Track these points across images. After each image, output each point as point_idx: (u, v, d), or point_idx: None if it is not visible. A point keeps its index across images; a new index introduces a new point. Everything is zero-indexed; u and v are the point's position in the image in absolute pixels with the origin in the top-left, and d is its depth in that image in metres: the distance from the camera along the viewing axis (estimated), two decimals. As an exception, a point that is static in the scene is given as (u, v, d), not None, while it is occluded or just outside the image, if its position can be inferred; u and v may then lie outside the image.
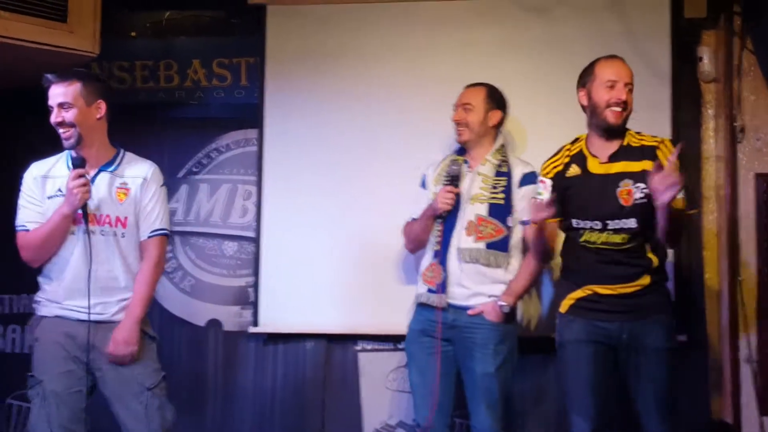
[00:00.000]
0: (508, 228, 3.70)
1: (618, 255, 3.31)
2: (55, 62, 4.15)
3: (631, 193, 3.28)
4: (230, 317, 4.59)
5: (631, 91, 3.37)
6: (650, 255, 3.32)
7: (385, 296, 4.25)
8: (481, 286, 3.68)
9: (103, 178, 3.40)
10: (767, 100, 4.17)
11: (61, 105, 3.35)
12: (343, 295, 4.33)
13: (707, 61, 4.17)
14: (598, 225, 3.32)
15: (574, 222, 3.39)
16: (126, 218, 3.39)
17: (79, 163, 3.29)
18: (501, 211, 3.71)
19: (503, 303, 3.64)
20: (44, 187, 3.37)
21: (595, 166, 3.39)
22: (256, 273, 4.45)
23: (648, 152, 3.32)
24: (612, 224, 3.30)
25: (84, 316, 3.27)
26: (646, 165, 3.23)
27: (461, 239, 3.70)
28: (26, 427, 3.29)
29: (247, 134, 4.65)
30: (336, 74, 4.44)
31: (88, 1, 4.00)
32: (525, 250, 3.76)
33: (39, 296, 3.40)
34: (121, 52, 4.70)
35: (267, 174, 4.46)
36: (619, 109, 3.34)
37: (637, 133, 3.43)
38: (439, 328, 3.66)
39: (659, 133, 3.86)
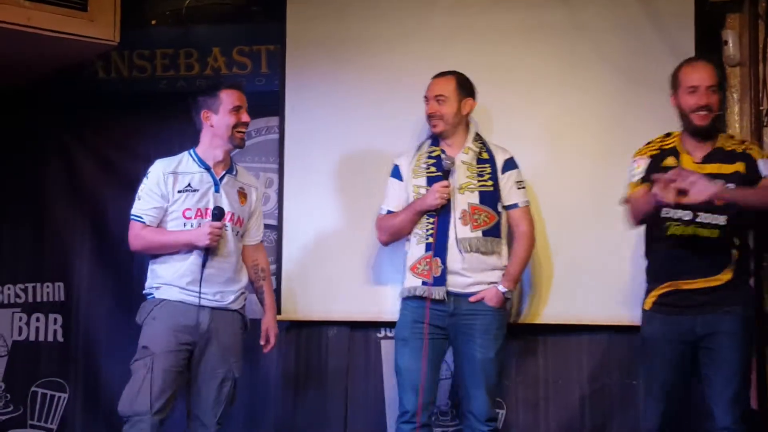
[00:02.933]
0: (498, 214, 3.80)
1: (702, 249, 3.35)
2: (75, 52, 4.18)
3: None
4: (252, 305, 4.56)
5: (715, 92, 3.43)
6: (734, 251, 3.37)
7: (407, 283, 4.24)
8: (480, 274, 3.76)
9: (229, 180, 3.75)
10: (793, 84, 4.12)
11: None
12: (366, 282, 4.33)
13: (732, 45, 4.12)
14: (688, 215, 3.35)
15: (664, 210, 3.37)
16: (240, 218, 3.74)
17: (219, 214, 3.59)
18: (491, 197, 3.80)
19: (504, 289, 3.73)
20: (176, 183, 3.63)
21: (689, 164, 3.41)
22: (278, 261, 4.45)
23: (740, 156, 3.41)
24: (702, 217, 3.33)
25: (205, 302, 3.59)
26: (739, 167, 3.36)
27: (458, 229, 3.75)
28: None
29: (269, 122, 4.65)
30: (357, 61, 4.42)
31: (108, -10, 4.01)
32: (510, 235, 3.86)
33: (158, 282, 3.63)
34: (141, 41, 4.70)
35: (288, 161, 4.46)
36: (703, 112, 3.39)
37: (730, 137, 3.56)
38: (427, 320, 3.71)
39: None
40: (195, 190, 3.64)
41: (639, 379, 3.65)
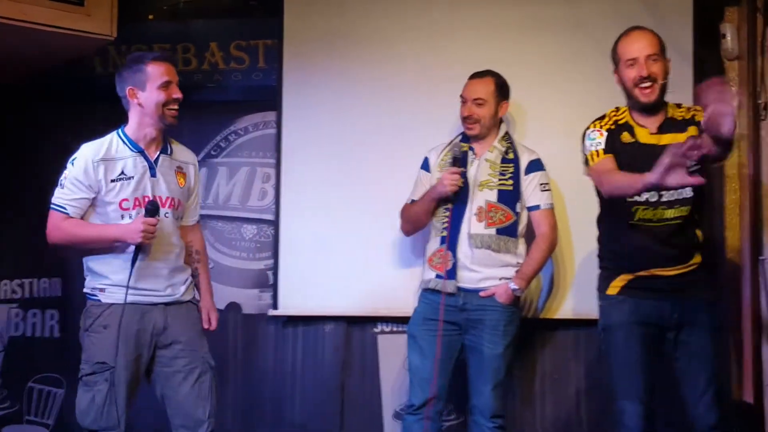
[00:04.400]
0: (517, 214, 3.78)
1: (671, 234, 3.24)
2: (72, 46, 4.18)
3: None
4: (249, 300, 4.60)
5: (657, 60, 3.26)
6: (698, 231, 3.28)
7: (404, 278, 4.23)
8: (491, 270, 3.75)
9: (164, 161, 3.43)
10: (791, 78, 4.11)
11: None
12: (362, 278, 4.33)
13: (730, 39, 4.12)
14: (654, 196, 3.23)
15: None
16: (180, 201, 3.45)
17: (153, 210, 3.28)
18: (510, 197, 3.79)
19: (515, 287, 3.72)
20: (107, 171, 3.29)
21: (645, 137, 3.30)
22: (275, 256, 4.44)
23: (690, 122, 3.27)
24: (667, 195, 3.22)
25: (157, 299, 3.35)
26: (692, 132, 3.19)
27: (472, 225, 3.76)
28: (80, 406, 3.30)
29: (266, 117, 4.64)
30: (354, 56, 4.42)
31: (105, -15, 4.01)
32: (532, 235, 3.84)
33: (102, 283, 3.34)
34: (138, 35, 4.69)
35: (285, 156, 4.45)
36: (646, 84, 3.25)
37: (677, 105, 3.37)
38: (442, 313, 3.71)
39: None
40: (130, 178, 3.30)
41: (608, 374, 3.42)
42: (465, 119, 3.87)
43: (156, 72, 3.29)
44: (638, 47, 3.27)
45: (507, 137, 3.91)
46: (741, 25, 4.14)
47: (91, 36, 4.02)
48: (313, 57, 4.44)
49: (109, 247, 3.30)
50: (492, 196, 3.78)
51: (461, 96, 3.90)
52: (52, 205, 3.31)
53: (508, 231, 3.77)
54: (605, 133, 3.33)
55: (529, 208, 3.84)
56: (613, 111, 3.42)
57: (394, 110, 4.35)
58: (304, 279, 4.39)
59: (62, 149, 4.79)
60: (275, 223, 4.48)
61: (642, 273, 3.30)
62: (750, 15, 4.09)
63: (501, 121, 3.93)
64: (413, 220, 3.95)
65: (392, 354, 4.39)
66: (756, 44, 4.07)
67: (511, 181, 3.80)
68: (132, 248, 3.25)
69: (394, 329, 4.41)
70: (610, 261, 3.42)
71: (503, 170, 3.82)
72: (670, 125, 3.30)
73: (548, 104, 4.24)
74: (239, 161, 4.65)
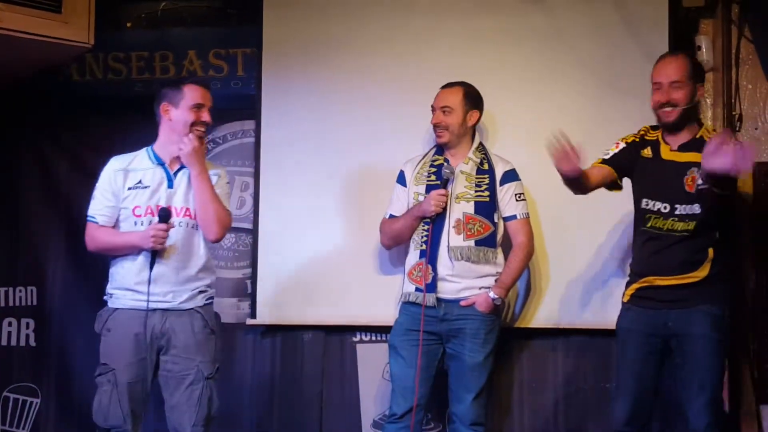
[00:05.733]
0: (494, 224, 3.83)
1: (678, 245, 3.41)
2: (49, 54, 4.14)
3: (695, 179, 3.38)
4: (227, 309, 4.57)
5: (681, 87, 3.42)
6: (710, 248, 3.40)
7: (382, 288, 4.23)
8: (471, 280, 3.80)
9: (185, 173, 3.58)
10: (765, 89, 4.16)
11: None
12: (341, 287, 4.33)
13: (705, 50, 4.15)
14: (666, 208, 3.43)
15: (644, 202, 3.49)
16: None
17: (165, 216, 3.45)
18: (487, 208, 3.84)
19: (495, 296, 3.77)
20: (126, 179, 3.52)
21: (666, 153, 3.49)
22: (253, 265, 4.43)
23: None
24: (680, 209, 3.40)
25: (156, 304, 3.46)
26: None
27: (451, 238, 3.80)
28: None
29: (244, 125, 4.64)
30: (334, 65, 4.42)
31: (82, -8, 3.98)
32: (509, 244, 3.90)
33: (112, 288, 3.55)
34: (116, 43, 4.68)
35: (264, 165, 4.44)
36: (667, 109, 3.44)
37: (713, 129, 3.56)
38: (422, 325, 3.75)
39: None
40: (146, 187, 3.52)
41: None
42: (434, 127, 3.92)
43: (191, 94, 3.52)
44: (664, 73, 3.46)
45: (481, 148, 3.95)
46: (716, 38, 4.18)
47: (69, 44, 3.99)
48: (292, 66, 4.44)
49: (128, 253, 3.50)
50: (469, 208, 3.82)
51: (431, 106, 3.95)
52: (87, 217, 3.56)
53: (487, 242, 3.82)
54: (622, 145, 3.59)
55: (506, 219, 3.89)
56: (647, 127, 3.62)
57: (374, 119, 4.35)
58: (282, 288, 4.38)
59: (39, 158, 4.82)
60: (254, 232, 4.46)
61: (645, 283, 3.47)
62: (725, 27, 4.14)
63: (474, 131, 3.96)
64: (394, 236, 3.98)
65: (371, 363, 4.39)
66: (731, 56, 4.13)
67: (487, 193, 3.84)
68: (143, 254, 3.45)
69: (373, 339, 4.41)
70: (632, 267, 3.61)
71: (479, 182, 3.86)
72: (694, 145, 3.44)
73: (524, 113, 4.25)
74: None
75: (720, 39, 4.15)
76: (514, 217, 3.88)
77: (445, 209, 3.81)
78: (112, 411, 3.42)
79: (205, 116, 3.54)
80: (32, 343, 4.76)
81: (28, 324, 4.76)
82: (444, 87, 3.96)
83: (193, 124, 3.52)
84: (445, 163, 3.89)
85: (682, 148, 3.46)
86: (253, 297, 4.41)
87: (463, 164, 3.89)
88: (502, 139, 4.22)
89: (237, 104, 4.61)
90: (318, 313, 4.36)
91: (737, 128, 4.12)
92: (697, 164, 3.32)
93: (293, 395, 4.45)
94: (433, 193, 3.81)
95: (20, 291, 4.78)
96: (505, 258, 3.89)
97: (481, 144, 3.97)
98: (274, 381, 4.49)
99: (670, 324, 3.41)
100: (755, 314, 4.04)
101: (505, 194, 3.87)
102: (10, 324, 4.77)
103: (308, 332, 4.45)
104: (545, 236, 4.15)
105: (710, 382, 3.38)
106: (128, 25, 4.75)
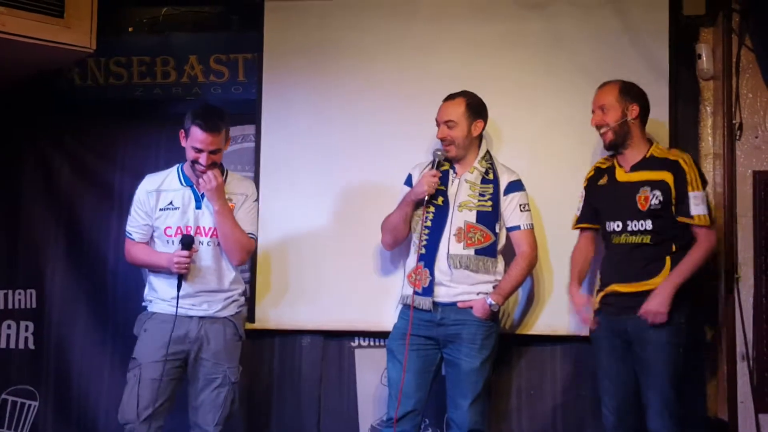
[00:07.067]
0: (496, 234, 3.84)
1: (637, 256, 3.63)
2: (51, 58, 4.15)
3: (647, 198, 3.61)
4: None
5: (608, 109, 3.69)
6: (668, 258, 3.60)
7: (381, 292, 4.24)
8: (468, 286, 3.81)
9: None
10: (765, 98, 4.15)
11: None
12: (340, 292, 4.33)
13: (706, 59, 4.15)
14: (619, 226, 3.68)
15: (606, 225, 3.75)
16: None
17: (187, 243, 3.69)
18: (489, 218, 3.84)
19: (492, 302, 3.77)
20: (157, 200, 3.79)
21: (621, 175, 3.74)
22: (252, 269, 4.43)
23: (669, 165, 3.64)
24: (631, 225, 3.64)
25: (193, 312, 3.76)
26: (665, 175, 3.61)
27: (451, 245, 3.81)
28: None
29: (245, 130, 4.64)
30: (334, 70, 4.43)
31: (85, -3, 3.99)
32: (510, 252, 3.90)
33: (152, 296, 3.82)
34: (117, 48, 4.69)
35: (264, 170, 4.45)
36: (602, 131, 3.74)
37: (667, 149, 3.80)
38: (410, 325, 3.78)
39: (657, 131, 3.94)
40: (176, 208, 3.77)
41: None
42: (441, 141, 3.92)
43: (195, 136, 3.69)
44: (595, 99, 3.78)
45: (488, 157, 3.94)
46: (716, 46, 4.18)
47: (71, 48, 3.99)
48: (293, 71, 4.45)
49: (157, 268, 3.79)
50: (471, 216, 3.82)
51: (436, 119, 3.94)
52: (125, 231, 3.88)
53: (487, 251, 3.82)
54: (584, 193, 3.89)
55: (509, 229, 3.89)
56: (603, 159, 3.89)
57: (374, 124, 4.36)
58: (280, 293, 4.38)
59: (40, 161, 4.83)
60: (253, 236, 4.45)
61: (608, 290, 3.70)
62: (725, 36, 4.13)
63: (481, 139, 3.96)
64: (391, 228, 3.97)
65: (369, 368, 4.40)
66: (731, 65, 4.11)
67: (490, 203, 3.85)
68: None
69: (371, 343, 4.41)
70: (600, 277, 3.83)
71: (483, 191, 3.86)
72: (644, 164, 3.69)
73: (524, 120, 4.27)
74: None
75: (720, 48, 4.15)
76: (518, 227, 3.88)
77: (446, 214, 3.81)
78: (129, 405, 3.65)
79: (202, 159, 3.68)
80: (31, 345, 4.76)
81: (27, 327, 4.76)
82: (446, 99, 3.94)
83: (193, 161, 3.72)
84: (439, 152, 3.89)
85: (634, 168, 3.69)
86: (251, 302, 4.41)
87: (468, 173, 3.89)
88: (503, 146, 4.22)
89: (237, 109, 4.60)
90: (316, 317, 4.36)
91: (737, 137, 4.11)
92: (648, 183, 3.61)
93: (291, 400, 4.45)
94: (425, 173, 3.83)
95: (20, 294, 4.78)
96: (506, 267, 3.90)
97: (488, 153, 3.96)
98: (272, 385, 4.48)
99: (629, 330, 3.60)
100: (754, 323, 4.03)
101: (509, 204, 3.87)
102: (9, 327, 4.77)
103: (307, 337, 4.45)
104: (549, 245, 4.15)
105: (664, 387, 3.52)
106: (130, 29, 4.76)
